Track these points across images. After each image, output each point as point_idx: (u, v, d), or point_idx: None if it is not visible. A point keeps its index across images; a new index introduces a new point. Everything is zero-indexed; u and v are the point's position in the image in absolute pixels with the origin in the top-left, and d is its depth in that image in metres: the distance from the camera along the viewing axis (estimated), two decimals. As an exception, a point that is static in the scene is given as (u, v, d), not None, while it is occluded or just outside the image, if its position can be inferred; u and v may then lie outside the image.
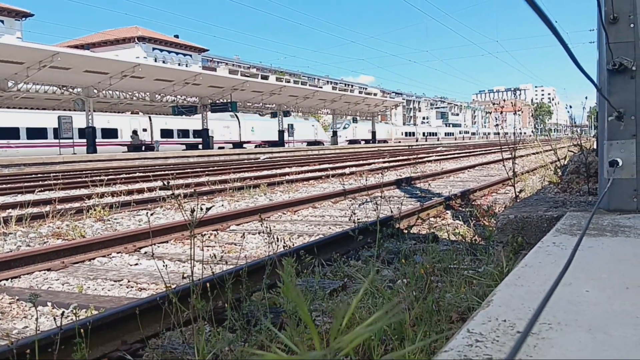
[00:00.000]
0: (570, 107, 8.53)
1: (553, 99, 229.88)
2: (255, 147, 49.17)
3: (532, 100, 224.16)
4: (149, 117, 43.60)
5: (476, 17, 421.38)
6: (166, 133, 44.50)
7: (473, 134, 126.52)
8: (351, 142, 65.08)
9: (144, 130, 42.47)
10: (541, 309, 0.86)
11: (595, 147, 6.57)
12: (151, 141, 42.09)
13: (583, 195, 4.58)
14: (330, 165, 21.16)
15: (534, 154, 18.72)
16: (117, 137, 40.17)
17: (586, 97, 6.89)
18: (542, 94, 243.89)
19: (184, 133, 46.30)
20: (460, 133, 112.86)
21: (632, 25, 3.28)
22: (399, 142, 75.01)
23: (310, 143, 57.80)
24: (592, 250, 2.21)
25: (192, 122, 45.56)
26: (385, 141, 72.66)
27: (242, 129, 51.72)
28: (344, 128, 67.98)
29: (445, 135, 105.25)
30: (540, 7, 1.06)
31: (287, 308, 3.14)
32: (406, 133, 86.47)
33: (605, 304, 1.50)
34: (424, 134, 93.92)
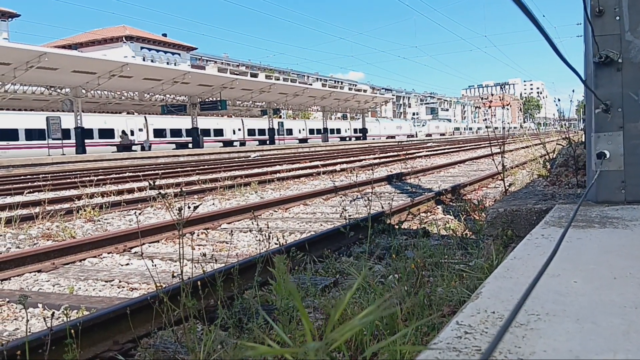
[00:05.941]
0: (559, 100, 8.57)
1: (541, 93, 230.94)
2: (387, 138, 74.73)
3: (521, 94, 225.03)
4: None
5: (464, 12, 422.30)
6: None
7: (466, 128, 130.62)
8: (427, 135, 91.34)
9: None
10: (524, 299, 0.87)
11: (583, 140, 6.61)
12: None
13: (572, 188, 4.61)
14: (321, 162, 21.13)
15: (523, 148, 18.81)
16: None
17: (573, 90, 6.94)
18: (531, 88, 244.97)
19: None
20: (457, 129, 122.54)
21: (617, 18, 3.30)
22: (452, 134, 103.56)
23: (408, 135, 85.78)
24: (580, 241, 2.23)
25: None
26: (443, 134, 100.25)
27: (380, 126, 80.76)
28: (422, 125, 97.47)
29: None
30: (526, 5, 1.06)
31: (280, 305, 3.14)
32: (455, 128, 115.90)
33: (593, 294, 1.51)
34: (465, 128, 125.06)
